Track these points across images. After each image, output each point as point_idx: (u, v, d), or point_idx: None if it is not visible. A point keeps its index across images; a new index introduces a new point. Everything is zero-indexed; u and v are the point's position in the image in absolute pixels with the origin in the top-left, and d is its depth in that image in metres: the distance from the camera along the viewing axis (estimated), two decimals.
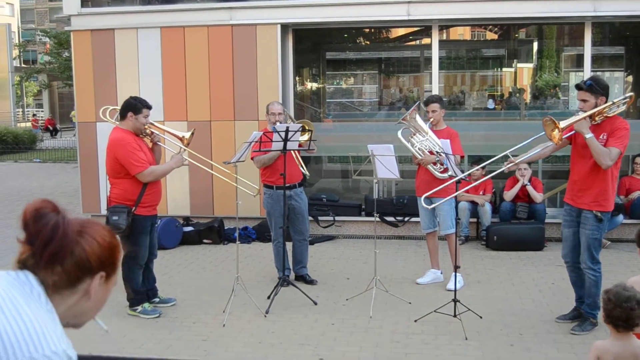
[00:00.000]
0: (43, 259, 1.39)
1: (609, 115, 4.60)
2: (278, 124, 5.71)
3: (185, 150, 5.52)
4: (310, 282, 6.14)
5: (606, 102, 4.57)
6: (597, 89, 4.53)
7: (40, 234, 1.39)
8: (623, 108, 4.68)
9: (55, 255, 1.39)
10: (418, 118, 5.83)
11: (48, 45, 29.86)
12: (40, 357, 1.28)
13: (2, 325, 1.28)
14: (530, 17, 8.12)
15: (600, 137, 4.56)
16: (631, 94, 4.93)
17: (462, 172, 6.11)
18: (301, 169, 6.13)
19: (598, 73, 9.98)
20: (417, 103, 6.08)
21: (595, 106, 4.53)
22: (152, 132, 5.39)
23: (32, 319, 1.31)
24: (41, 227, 1.39)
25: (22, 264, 1.41)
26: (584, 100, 4.57)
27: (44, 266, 1.39)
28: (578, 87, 4.65)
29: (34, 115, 37.37)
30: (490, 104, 11.53)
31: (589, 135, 4.48)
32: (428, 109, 5.96)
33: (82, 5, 8.43)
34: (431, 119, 5.91)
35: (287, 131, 5.37)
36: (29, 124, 33.72)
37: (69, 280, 1.42)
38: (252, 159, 5.94)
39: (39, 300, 1.37)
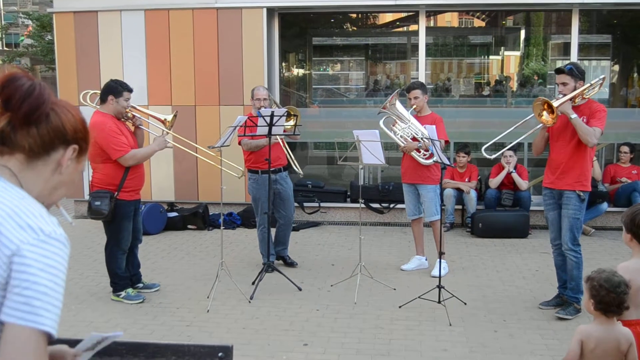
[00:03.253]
0: (19, 115, 1.39)
1: (586, 97, 4.85)
2: (263, 109, 5.66)
3: (167, 133, 5.46)
4: (290, 264, 6.19)
5: (584, 85, 4.82)
6: (576, 73, 4.80)
7: (17, 93, 1.39)
8: (597, 89, 4.93)
9: (31, 113, 1.40)
10: (398, 105, 5.80)
11: (30, 28, 29.38)
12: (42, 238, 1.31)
13: None
14: (518, 4, 8.15)
15: (581, 119, 4.74)
16: (604, 75, 5.24)
17: (448, 158, 6.11)
18: (294, 167, 6.13)
19: (585, 62, 10.04)
20: (396, 91, 6.04)
21: (575, 89, 4.77)
22: (134, 116, 5.33)
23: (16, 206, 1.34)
24: (17, 87, 1.39)
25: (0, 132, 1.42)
26: (564, 84, 4.80)
27: (20, 126, 1.40)
28: (559, 70, 4.88)
29: None
30: (487, 90, 11.56)
31: (574, 115, 4.69)
32: (410, 95, 5.92)
33: None
34: (414, 106, 5.88)
35: (272, 116, 5.33)
36: None
37: (44, 146, 1.44)
38: (239, 143, 5.90)
39: (12, 189, 1.39)
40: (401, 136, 5.82)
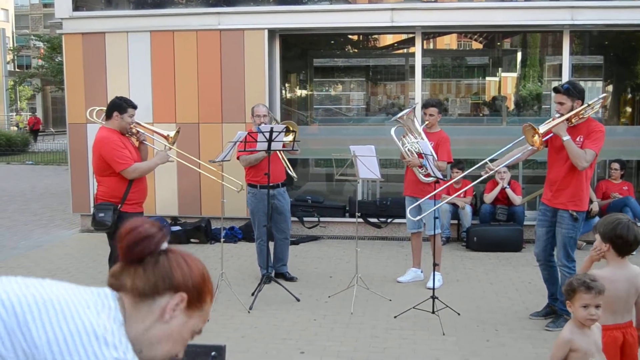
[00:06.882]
0: (127, 256, 1.39)
1: (584, 116, 4.78)
2: (262, 125, 5.84)
3: (170, 148, 5.64)
4: (291, 279, 6.27)
5: (582, 105, 4.75)
6: (574, 92, 4.71)
7: (129, 239, 1.39)
8: (597, 109, 4.86)
9: (140, 255, 1.39)
10: (415, 120, 5.94)
11: (42, 50, 29.94)
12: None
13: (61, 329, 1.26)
14: (510, 25, 8.28)
15: (577, 139, 4.72)
16: (605, 94, 5.13)
17: (444, 176, 6.24)
18: (289, 171, 6.25)
19: (580, 82, 10.20)
20: (414, 106, 6.15)
21: (572, 109, 4.71)
22: (138, 131, 5.50)
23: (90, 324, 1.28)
24: (140, 232, 1.40)
25: (113, 277, 1.42)
26: (561, 103, 4.75)
27: (127, 265, 1.40)
28: (556, 90, 4.84)
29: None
30: (484, 110, 11.71)
31: (566, 137, 4.66)
32: (426, 112, 6.03)
33: (74, 9, 8.56)
34: (427, 122, 6.02)
35: (271, 132, 5.51)
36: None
37: (149, 287, 1.39)
38: (237, 158, 6.08)
39: (109, 311, 1.34)
40: (409, 149, 5.94)
